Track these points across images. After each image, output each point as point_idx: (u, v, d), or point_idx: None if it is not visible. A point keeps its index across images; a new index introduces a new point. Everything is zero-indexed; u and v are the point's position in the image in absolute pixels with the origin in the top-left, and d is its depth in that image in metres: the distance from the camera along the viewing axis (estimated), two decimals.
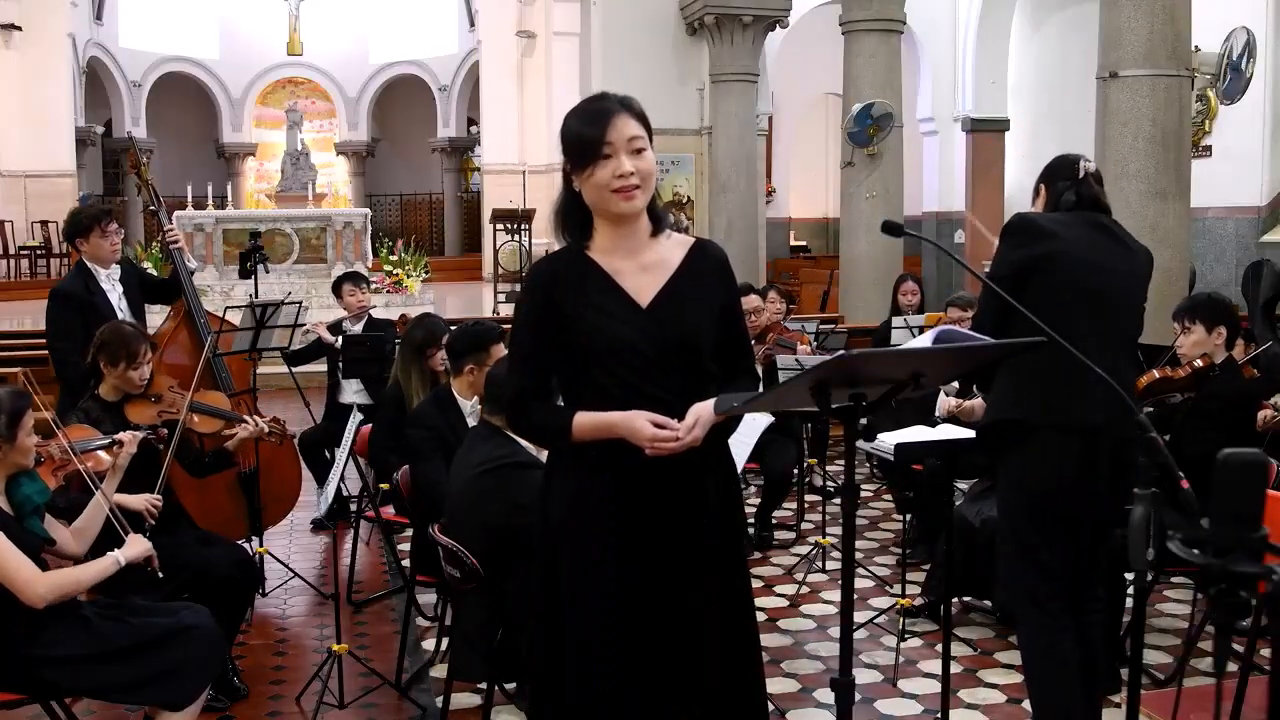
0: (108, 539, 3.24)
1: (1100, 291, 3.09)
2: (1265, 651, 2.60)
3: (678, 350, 2.26)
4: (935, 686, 3.75)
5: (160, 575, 3.19)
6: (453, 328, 4.69)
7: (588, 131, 2.20)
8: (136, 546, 3.11)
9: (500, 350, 4.20)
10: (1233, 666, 2.18)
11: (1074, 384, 2.96)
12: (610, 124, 2.19)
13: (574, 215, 2.29)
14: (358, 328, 6.43)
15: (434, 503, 3.89)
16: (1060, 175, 3.29)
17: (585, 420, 2.23)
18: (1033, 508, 3.12)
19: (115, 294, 4.88)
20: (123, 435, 3.43)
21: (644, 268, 2.29)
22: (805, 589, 4.98)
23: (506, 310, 7.43)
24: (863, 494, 6.58)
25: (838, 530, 5.30)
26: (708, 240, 2.45)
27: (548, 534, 2.34)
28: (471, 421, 4.16)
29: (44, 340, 5.16)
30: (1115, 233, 3.23)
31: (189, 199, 14.87)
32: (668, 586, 2.27)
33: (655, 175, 2.28)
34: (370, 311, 6.67)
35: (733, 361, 2.37)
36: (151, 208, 5.48)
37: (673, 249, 2.33)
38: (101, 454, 3.36)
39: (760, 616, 4.45)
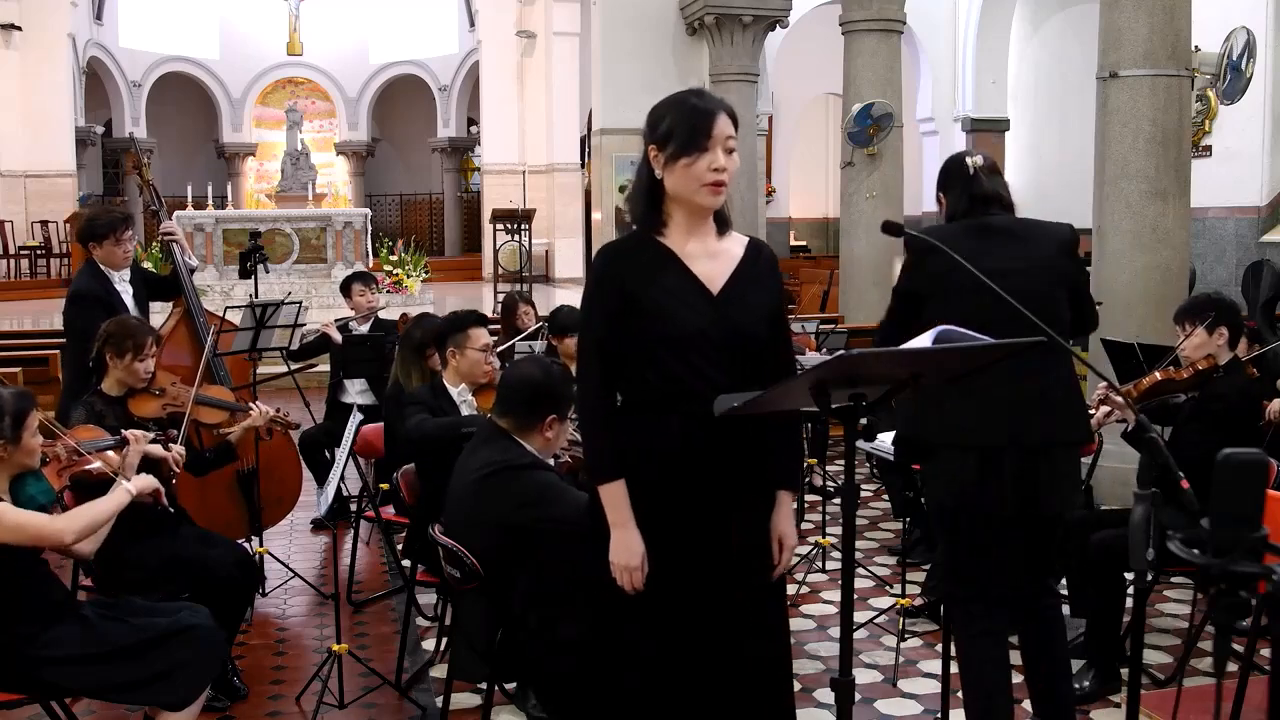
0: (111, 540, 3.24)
1: (997, 301, 2.77)
2: (1265, 651, 2.60)
3: (741, 339, 2.35)
4: (935, 686, 3.75)
5: (171, 510, 3.20)
6: None
7: (696, 123, 2.30)
8: (143, 480, 3.14)
9: (479, 334, 4.22)
10: (1233, 666, 2.18)
11: (971, 405, 2.89)
12: (715, 120, 2.30)
13: (652, 200, 2.37)
14: (364, 328, 6.43)
15: (412, 445, 4.01)
16: (953, 180, 3.13)
17: (614, 495, 2.34)
18: (941, 516, 3.12)
19: (128, 295, 4.92)
20: (131, 433, 3.44)
21: (712, 255, 2.39)
22: (805, 589, 4.98)
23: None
24: (863, 494, 6.58)
25: (838, 530, 5.30)
26: (761, 240, 2.54)
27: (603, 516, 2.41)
28: (463, 409, 4.17)
29: (42, 341, 5.16)
30: (1011, 230, 3.05)
31: (189, 199, 14.88)
32: (714, 573, 2.37)
33: (736, 176, 2.38)
34: (379, 312, 6.69)
35: (778, 358, 2.44)
36: (153, 208, 5.48)
37: (732, 242, 2.44)
38: (109, 453, 3.36)
39: None
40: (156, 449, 3.57)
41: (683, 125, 2.30)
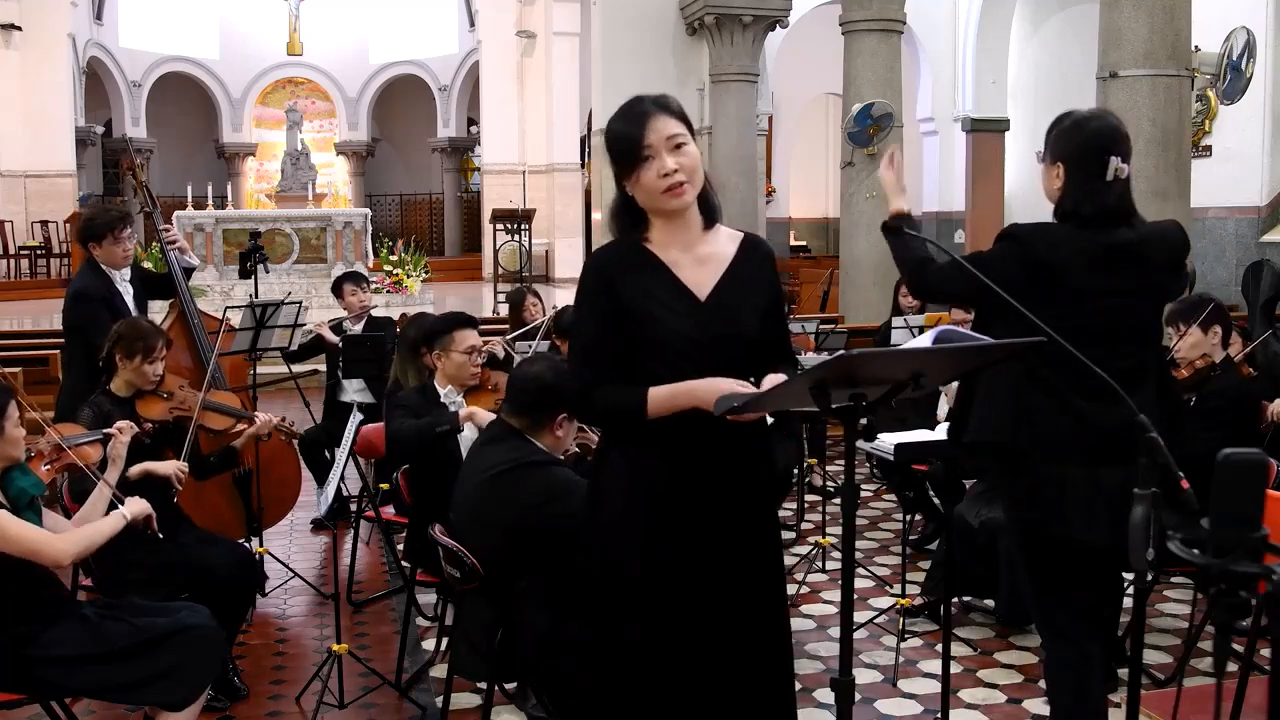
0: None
1: (1104, 325, 2.79)
2: (1265, 651, 2.59)
3: (731, 344, 2.31)
4: (935, 686, 3.75)
5: (160, 536, 3.25)
6: None
7: (626, 137, 2.25)
8: (137, 505, 3.16)
9: (464, 336, 4.20)
10: (1233, 666, 2.18)
11: (1070, 418, 2.78)
12: (647, 126, 2.24)
13: (628, 214, 2.35)
14: (358, 327, 6.43)
15: (393, 449, 4.09)
16: (1087, 167, 2.76)
17: (660, 393, 2.23)
18: (1038, 537, 2.93)
19: (129, 295, 4.92)
20: (118, 425, 3.45)
21: (700, 260, 2.34)
22: (805, 589, 4.98)
23: (505, 310, 7.45)
24: (863, 494, 6.58)
25: (838, 530, 5.30)
26: (757, 236, 2.49)
27: (598, 516, 2.38)
28: (451, 409, 4.17)
29: (42, 341, 5.16)
30: (1133, 250, 2.82)
31: (189, 199, 14.88)
32: (713, 573, 2.32)
33: (700, 168, 2.31)
34: (371, 311, 6.68)
35: (779, 354, 2.41)
36: (146, 210, 5.44)
37: (724, 242, 2.39)
38: (87, 448, 3.38)
39: None
40: (160, 466, 3.65)
41: (620, 143, 2.27)
